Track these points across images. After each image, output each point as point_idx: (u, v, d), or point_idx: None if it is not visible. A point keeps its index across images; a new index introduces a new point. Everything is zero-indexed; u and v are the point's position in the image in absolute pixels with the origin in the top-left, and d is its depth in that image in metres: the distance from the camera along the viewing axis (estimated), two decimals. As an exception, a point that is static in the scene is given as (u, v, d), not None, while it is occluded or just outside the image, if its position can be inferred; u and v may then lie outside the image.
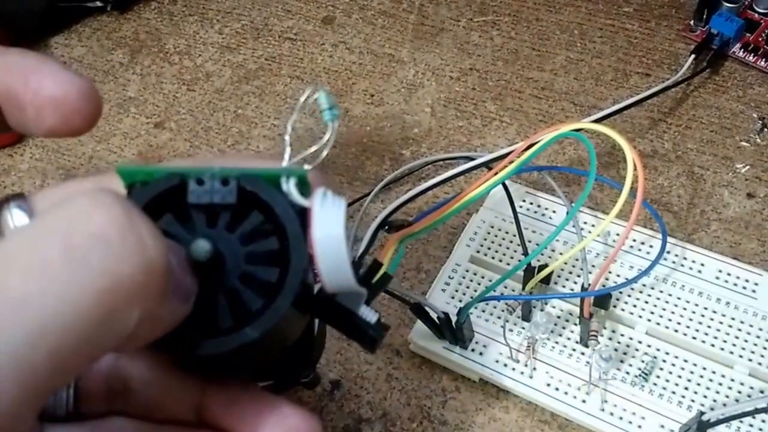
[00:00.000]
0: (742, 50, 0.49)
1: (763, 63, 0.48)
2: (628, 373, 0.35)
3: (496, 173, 0.34)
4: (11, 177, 0.48)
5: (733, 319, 0.37)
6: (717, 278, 0.38)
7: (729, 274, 0.38)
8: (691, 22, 0.51)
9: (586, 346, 0.36)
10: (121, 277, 0.17)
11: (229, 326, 0.21)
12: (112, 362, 0.24)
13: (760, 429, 0.33)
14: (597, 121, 0.40)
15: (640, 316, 0.37)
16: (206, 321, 0.21)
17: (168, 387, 0.24)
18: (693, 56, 0.48)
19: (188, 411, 0.24)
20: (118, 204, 0.17)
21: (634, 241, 0.40)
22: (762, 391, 0.34)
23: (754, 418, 0.33)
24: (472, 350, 0.37)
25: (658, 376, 0.35)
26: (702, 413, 0.31)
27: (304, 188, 0.22)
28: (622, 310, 0.37)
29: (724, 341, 0.36)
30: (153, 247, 0.17)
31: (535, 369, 0.36)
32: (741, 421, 0.33)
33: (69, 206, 0.17)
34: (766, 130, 0.46)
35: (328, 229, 0.21)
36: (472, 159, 0.38)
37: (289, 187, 0.21)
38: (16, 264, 0.16)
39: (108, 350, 0.18)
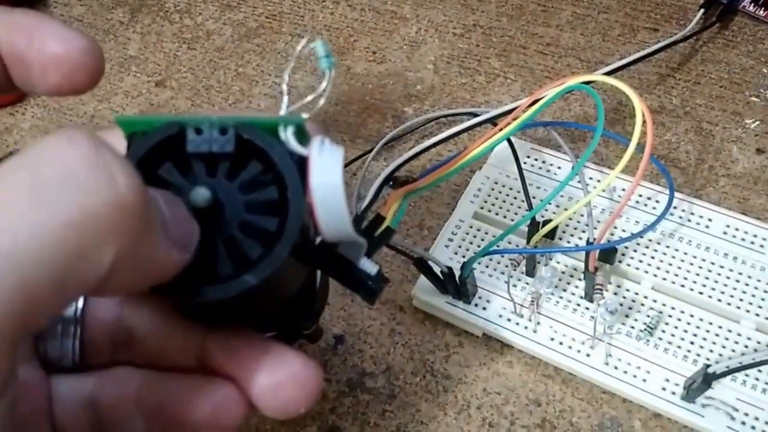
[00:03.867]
0: (753, 4, 0.48)
1: (773, 18, 0.48)
2: (633, 327, 0.35)
3: (501, 129, 0.33)
4: (13, 136, 0.48)
5: (740, 274, 0.36)
6: (725, 233, 0.38)
7: (737, 230, 0.38)
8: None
9: (591, 300, 0.36)
10: (89, 211, 0.16)
11: (229, 274, 0.21)
12: (116, 313, 0.25)
13: (766, 382, 0.33)
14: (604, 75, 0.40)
15: (646, 271, 0.37)
16: (206, 268, 0.21)
17: (171, 336, 0.24)
18: (702, 11, 0.47)
19: (190, 358, 0.24)
20: (86, 140, 0.17)
21: (641, 196, 0.39)
22: (769, 345, 0.34)
23: (759, 371, 0.33)
24: (476, 305, 0.36)
25: (663, 331, 0.35)
26: (707, 366, 0.31)
27: (302, 137, 0.22)
28: (628, 265, 0.37)
29: (731, 296, 0.36)
30: (123, 182, 0.17)
31: (539, 324, 0.36)
32: (747, 374, 0.33)
33: (39, 143, 0.17)
34: (775, 85, 0.45)
35: (326, 176, 0.21)
36: (476, 115, 0.38)
37: (287, 135, 0.21)
38: None
39: (86, 290, 0.17)
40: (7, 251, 0.16)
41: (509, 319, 0.36)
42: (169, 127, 0.21)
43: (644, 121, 0.31)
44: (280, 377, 0.23)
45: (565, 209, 0.39)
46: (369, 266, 0.24)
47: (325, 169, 0.21)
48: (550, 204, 0.39)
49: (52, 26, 0.22)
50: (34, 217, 0.16)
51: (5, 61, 0.22)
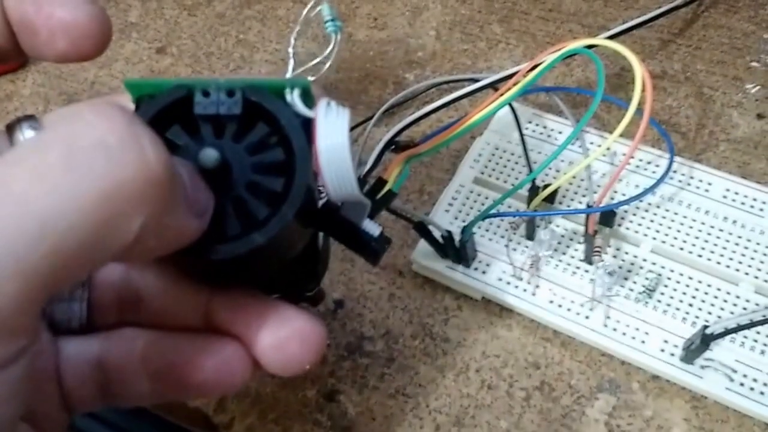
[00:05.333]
0: (755, -31, 0.48)
1: (776, -18, 0.47)
2: (632, 290, 0.35)
3: (502, 94, 0.33)
4: (14, 102, 0.48)
5: (739, 237, 0.36)
6: (724, 197, 0.38)
7: (737, 193, 0.38)
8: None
9: (590, 263, 0.36)
10: (121, 182, 0.17)
11: (237, 233, 0.21)
12: (123, 274, 0.25)
13: (765, 343, 0.33)
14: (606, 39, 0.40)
15: (646, 234, 0.37)
16: (215, 228, 0.21)
17: (177, 296, 0.25)
18: (705, -25, 0.47)
19: (196, 318, 0.24)
20: (119, 113, 0.18)
21: (641, 160, 0.39)
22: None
23: (758, 332, 0.33)
24: (475, 269, 0.36)
25: (662, 293, 0.35)
26: (706, 327, 0.31)
27: (308, 99, 0.22)
28: (627, 228, 0.37)
29: (730, 259, 0.36)
30: (153, 154, 0.18)
31: (538, 287, 0.36)
32: (745, 336, 0.33)
33: (73, 116, 0.18)
34: (778, 50, 0.45)
35: (332, 137, 0.21)
36: (477, 81, 0.38)
37: (293, 97, 0.22)
38: (20, 166, 0.17)
39: (111, 257, 0.18)
40: (43, 216, 0.16)
41: (508, 283, 0.36)
42: (177, 90, 0.22)
43: (644, 86, 0.31)
44: (284, 334, 0.23)
45: (565, 173, 0.39)
46: (372, 227, 0.25)
47: (332, 130, 0.21)
48: (550, 169, 0.39)
49: None
50: (69, 186, 0.17)
51: (14, 27, 0.22)
